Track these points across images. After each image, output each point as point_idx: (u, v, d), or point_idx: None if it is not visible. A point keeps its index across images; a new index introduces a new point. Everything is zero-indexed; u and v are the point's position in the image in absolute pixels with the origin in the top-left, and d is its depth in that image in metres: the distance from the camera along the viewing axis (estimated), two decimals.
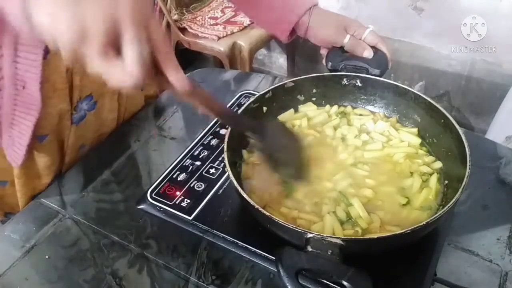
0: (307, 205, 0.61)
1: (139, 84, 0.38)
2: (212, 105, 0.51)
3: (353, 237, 0.55)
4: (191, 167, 0.71)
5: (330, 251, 0.48)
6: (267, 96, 0.70)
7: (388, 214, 0.59)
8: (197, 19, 2.12)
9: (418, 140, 0.69)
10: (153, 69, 0.40)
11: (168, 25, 2.17)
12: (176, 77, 0.42)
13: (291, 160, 0.61)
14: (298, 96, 0.75)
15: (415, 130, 0.70)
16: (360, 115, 0.74)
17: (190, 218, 0.64)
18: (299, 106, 0.76)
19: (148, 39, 0.38)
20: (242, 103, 0.83)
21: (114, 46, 0.37)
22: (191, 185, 0.68)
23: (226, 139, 0.61)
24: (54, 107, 0.69)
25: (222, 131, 0.78)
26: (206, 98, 0.49)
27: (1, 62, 0.60)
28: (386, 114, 0.74)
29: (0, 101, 0.64)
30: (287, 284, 0.45)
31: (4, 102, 0.64)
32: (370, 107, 0.75)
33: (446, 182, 0.63)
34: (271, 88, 0.70)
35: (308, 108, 0.75)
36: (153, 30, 0.39)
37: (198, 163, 0.72)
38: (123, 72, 0.38)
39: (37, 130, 0.67)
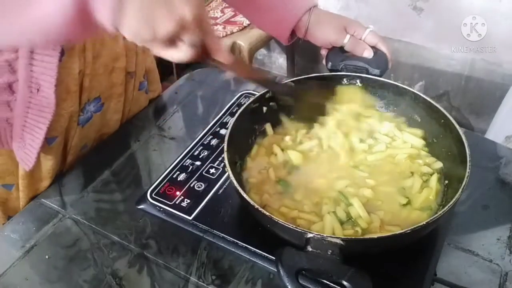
0: (307, 205, 0.60)
1: (191, 60, 0.49)
2: (250, 74, 0.66)
3: (353, 237, 0.55)
4: (191, 167, 0.71)
5: (330, 251, 0.48)
6: (267, 96, 0.70)
7: (388, 214, 0.59)
8: None
9: (421, 142, 0.68)
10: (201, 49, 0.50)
11: None
12: (223, 55, 0.52)
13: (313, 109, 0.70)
14: None
15: (419, 132, 0.70)
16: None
17: (190, 218, 0.64)
18: None
19: (201, 28, 0.47)
20: (242, 103, 0.83)
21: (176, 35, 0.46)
22: (191, 185, 0.68)
23: (226, 139, 0.61)
24: (66, 109, 0.69)
25: (222, 131, 0.78)
26: (245, 67, 0.65)
27: (16, 65, 0.60)
28: (392, 115, 0.73)
29: (13, 104, 0.64)
30: (287, 284, 0.45)
31: (17, 105, 0.64)
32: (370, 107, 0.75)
33: (446, 182, 0.63)
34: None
35: None
36: (204, 21, 0.48)
37: (198, 163, 0.72)
38: (181, 53, 0.48)
39: (49, 132, 0.67)
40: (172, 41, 0.46)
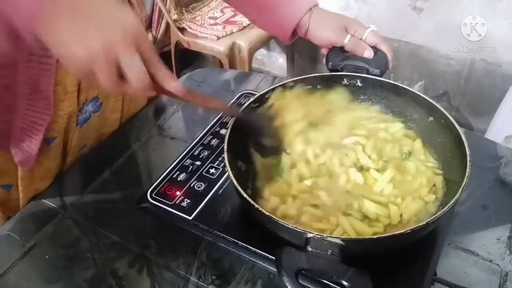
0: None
1: (145, 93, 0.49)
2: (208, 103, 0.62)
3: (353, 237, 0.55)
4: (191, 167, 0.72)
5: (330, 251, 0.48)
6: (267, 96, 0.70)
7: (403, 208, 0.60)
8: (197, 19, 2.12)
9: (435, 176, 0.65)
10: (152, 79, 0.48)
11: (167, 25, 2.17)
12: (173, 86, 0.50)
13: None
14: None
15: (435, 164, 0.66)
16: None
17: (190, 218, 0.64)
18: None
19: (141, 54, 0.46)
20: (242, 103, 0.83)
21: (117, 68, 0.45)
22: (191, 185, 0.68)
23: (226, 139, 0.61)
24: (64, 110, 0.69)
25: (222, 131, 0.78)
26: (202, 97, 0.58)
27: (14, 67, 0.60)
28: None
29: (11, 105, 0.64)
30: (287, 284, 0.45)
31: (15, 107, 0.64)
32: (370, 107, 0.75)
33: (446, 182, 0.63)
34: (271, 88, 0.70)
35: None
36: (144, 47, 0.46)
37: (198, 163, 0.72)
38: (129, 88, 0.47)
39: (47, 133, 0.67)
40: (115, 74, 0.45)
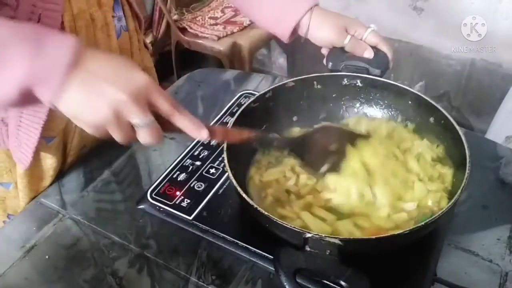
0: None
1: (160, 142, 0.49)
2: (234, 136, 0.58)
3: (351, 237, 0.55)
4: (191, 167, 0.72)
5: (328, 251, 0.48)
6: (267, 96, 0.70)
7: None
8: (197, 19, 2.12)
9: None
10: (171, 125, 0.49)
11: (168, 25, 2.17)
12: (192, 127, 0.49)
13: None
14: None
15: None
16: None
17: (190, 218, 0.64)
18: None
19: (152, 107, 0.47)
20: (242, 103, 0.83)
21: (130, 124, 0.47)
22: (191, 185, 0.68)
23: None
24: None
25: None
26: (227, 131, 0.57)
27: None
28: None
29: None
30: (285, 284, 0.45)
31: None
32: (370, 108, 0.75)
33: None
34: (271, 88, 0.70)
35: None
36: (160, 103, 0.47)
37: (198, 163, 0.72)
38: (142, 136, 0.48)
39: (46, 132, 0.67)
40: (126, 126, 0.47)
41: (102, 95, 0.45)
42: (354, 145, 0.65)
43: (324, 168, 0.64)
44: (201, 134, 0.50)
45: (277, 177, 0.66)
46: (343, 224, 0.58)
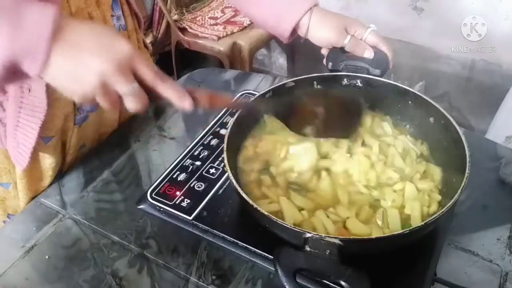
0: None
1: (146, 108, 0.50)
2: (219, 102, 0.59)
3: (351, 237, 0.55)
4: (191, 167, 0.72)
5: (328, 251, 0.48)
6: (267, 96, 0.70)
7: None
8: (197, 19, 2.12)
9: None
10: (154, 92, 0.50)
11: (168, 25, 2.17)
12: (175, 96, 0.50)
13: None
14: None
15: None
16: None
17: (190, 218, 0.64)
18: None
19: (135, 74, 0.48)
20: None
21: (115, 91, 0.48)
22: (191, 185, 0.68)
23: (226, 139, 0.61)
24: (60, 109, 0.69)
25: (222, 131, 0.78)
26: (211, 97, 0.55)
27: None
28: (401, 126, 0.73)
29: (5, 104, 0.64)
30: (285, 283, 0.45)
31: (9, 105, 0.64)
32: (370, 108, 0.75)
33: (446, 182, 0.63)
34: (271, 88, 0.70)
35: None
36: (142, 71, 0.48)
37: (198, 163, 0.72)
38: (129, 104, 0.49)
39: (43, 132, 0.67)
40: (113, 94, 0.48)
41: (87, 67, 0.46)
42: (346, 113, 0.66)
43: (308, 130, 0.64)
44: (185, 104, 0.51)
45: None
46: (318, 214, 0.58)
